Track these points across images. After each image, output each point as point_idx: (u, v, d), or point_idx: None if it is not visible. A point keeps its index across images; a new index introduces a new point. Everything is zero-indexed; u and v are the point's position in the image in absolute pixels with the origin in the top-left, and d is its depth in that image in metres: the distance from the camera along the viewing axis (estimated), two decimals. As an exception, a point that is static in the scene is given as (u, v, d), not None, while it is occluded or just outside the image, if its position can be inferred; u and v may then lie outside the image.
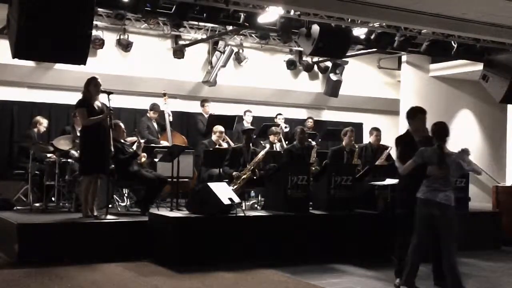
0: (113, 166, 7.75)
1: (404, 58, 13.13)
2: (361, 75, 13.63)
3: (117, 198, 8.69)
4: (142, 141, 8.39)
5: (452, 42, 10.13)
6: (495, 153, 13.62)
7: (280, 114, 11.77)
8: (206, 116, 10.68)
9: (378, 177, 8.15)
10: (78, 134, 8.01)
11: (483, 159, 13.21)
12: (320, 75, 13.35)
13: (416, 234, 5.66)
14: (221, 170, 8.65)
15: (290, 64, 12.83)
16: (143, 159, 8.39)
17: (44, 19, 6.36)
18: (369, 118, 13.66)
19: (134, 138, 8.49)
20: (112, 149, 7.41)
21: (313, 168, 8.79)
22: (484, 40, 9.85)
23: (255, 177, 8.68)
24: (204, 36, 11.54)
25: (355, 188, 8.13)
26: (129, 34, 11.14)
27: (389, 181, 7.62)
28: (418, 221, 5.64)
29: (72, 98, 8.73)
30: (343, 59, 12.46)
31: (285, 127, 11.51)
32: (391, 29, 9.38)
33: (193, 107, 11.76)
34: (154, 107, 10.20)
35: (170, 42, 11.67)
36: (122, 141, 8.18)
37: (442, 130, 5.65)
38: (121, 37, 11.04)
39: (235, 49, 12.01)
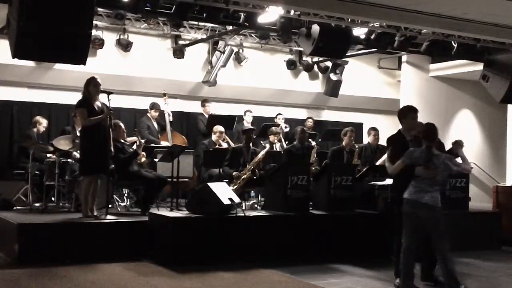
0: (113, 166, 7.75)
1: (404, 58, 13.13)
2: (361, 75, 13.63)
3: (117, 198, 8.69)
4: (142, 141, 8.39)
5: (452, 42, 10.12)
6: (495, 153, 13.62)
7: (280, 114, 11.78)
8: (207, 116, 10.69)
9: (378, 177, 8.15)
10: (78, 134, 8.01)
11: (483, 159, 13.23)
12: (320, 75, 13.35)
13: (404, 236, 5.66)
14: (221, 170, 8.65)
15: (290, 64, 12.83)
16: (143, 159, 8.39)
17: (44, 19, 6.35)
18: (369, 118, 13.66)
19: (134, 138, 8.50)
20: (112, 149, 7.41)
21: (313, 168, 8.80)
22: (484, 40, 9.84)
23: (255, 177, 8.68)
24: (204, 36, 11.54)
25: (355, 188, 8.13)
26: (129, 34, 11.14)
27: (389, 181, 7.61)
28: (405, 222, 5.64)
29: (72, 98, 8.73)
30: (343, 59, 12.46)
31: (285, 127, 11.52)
32: (391, 29, 9.37)
33: (193, 107, 11.77)
34: (154, 105, 10.20)
35: (170, 42, 11.66)
36: (122, 141, 8.18)
37: (431, 131, 5.65)
38: (121, 37, 11.04)
39: (235, 49, 12.01)
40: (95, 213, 7.31)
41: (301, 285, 6.08)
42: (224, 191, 7.31)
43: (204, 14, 8.50)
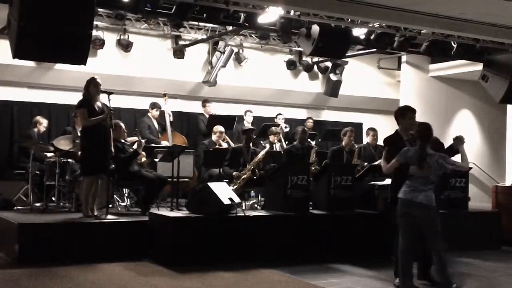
0: (113, 166, 7.76)
1: (404, 58, 13.13)
2: (361, 75, 13.64)
3: (117, 198, 8.70)
4: (143, 140, 8.40)
5: (452, 42, 10.13)
6: (495, 153, 13.63)
7: (280, 114, 11.80)
8: (207, 116, 10.70)
9: (378, 177, 8.16)
10: (79, 134, 8.02)
11: (482, 159, 13.24)
12: (320, 75, 13.36)
13: (400, 236, 5.66)
14: (221, 170, 8.66)
15: (290, 64, 12.83)
16: (144, 159, 8.40)
17: (44, 19, 6.36)
18: (369, 118, 13.67)
19: (135, 138, 8.50)
20: (113, 149, 7.42)
21: (313, 168, 8.81)
22: (483, 40, 9.85)
23: (255, 177, 8.69)
24: (204, 36, 11.54)
25: (355, 188, 8.14)
26: (129, 34, 11.14)
27: (389, 181, 7.61)
28: (400, 222, 5.64)
29: (72, 98, 8.74)
30: (343, 59, 12.46)
31: (285, 127, 11.53)
32: (391, 29, 9.38)
33: (193, 107, 11.78)
34: (155, 105, 10.22)
35: (170, 42, 11.67)
36: (123, 141, 8.19)
37: (425, 131, 5.63)
38: (121, 37, 11.04)
39: (235, 49, 12.02)
40: (96, 213, 7.32)
41: (301, 285, 6.08)
42: (224, 191, 7.31)
43: (204, 15, 8.51)
